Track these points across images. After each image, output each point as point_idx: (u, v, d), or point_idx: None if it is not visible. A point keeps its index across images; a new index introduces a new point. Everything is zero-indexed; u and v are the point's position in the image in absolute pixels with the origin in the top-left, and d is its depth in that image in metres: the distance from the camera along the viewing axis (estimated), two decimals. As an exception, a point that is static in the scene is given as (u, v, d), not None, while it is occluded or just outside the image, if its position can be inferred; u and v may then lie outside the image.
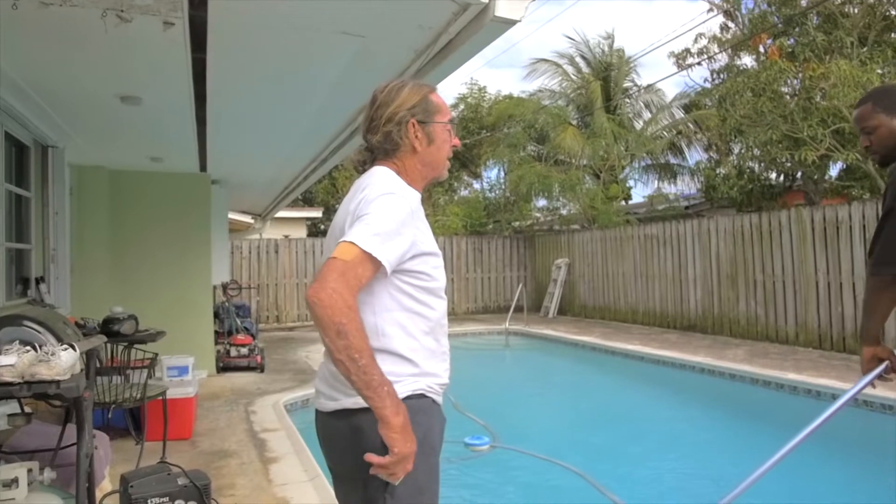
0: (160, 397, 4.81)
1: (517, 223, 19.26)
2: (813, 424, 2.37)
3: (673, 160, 19.52)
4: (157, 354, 4.89)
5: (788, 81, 11.76)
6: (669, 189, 18.88)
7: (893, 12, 11.71)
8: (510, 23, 2.75)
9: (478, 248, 17.74)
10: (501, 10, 2.73)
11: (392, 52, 3.70)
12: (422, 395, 1.77)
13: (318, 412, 1.86)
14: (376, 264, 1.62)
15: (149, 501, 2.81)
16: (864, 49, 11.44)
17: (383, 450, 1.61)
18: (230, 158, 7.59)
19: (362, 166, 1.94)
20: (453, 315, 16.86)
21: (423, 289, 1.80)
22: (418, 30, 3.25)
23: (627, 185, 18.79)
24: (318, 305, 1.53)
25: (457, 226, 19.18)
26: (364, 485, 1.70)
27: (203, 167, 7.88)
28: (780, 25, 12.74)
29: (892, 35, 12.06)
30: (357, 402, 1.68)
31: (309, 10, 3.18)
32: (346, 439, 1.74)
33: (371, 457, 1.61)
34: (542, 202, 19.50)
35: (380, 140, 1.89)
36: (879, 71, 10.35)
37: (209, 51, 3.75)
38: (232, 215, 13.52)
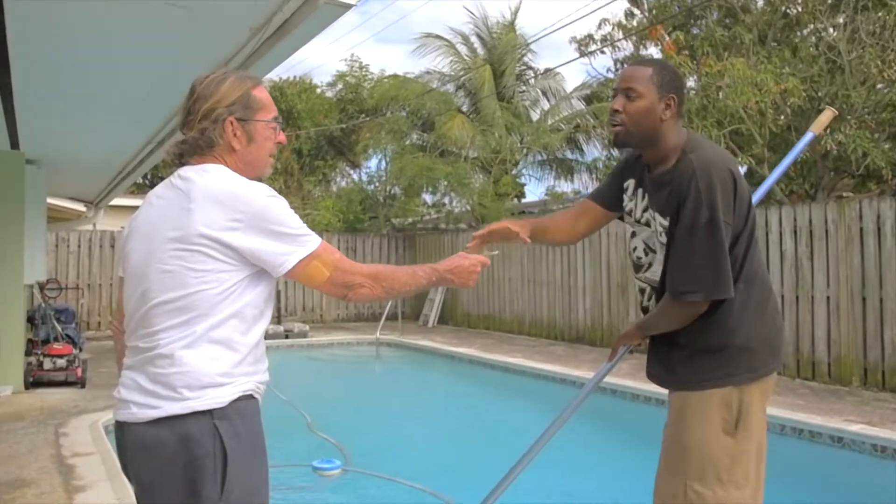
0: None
1: (397, 220, 19.44)
2: (570, 407, 2.85)
3: (570, 155, 20.27)
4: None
5: (687, 79, 12.47)
6: (566, 187, 19.59)
7: (794, 11, 12.62)
8: (345, 6, 2.88)
9: (351, 247, 17.81)
10: (335, -9, 2.85)
11: (226, 29, 3.75)
12: (251, 397, 1.96)
13: (125, 424, 1.96)
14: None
15: None
16: (764, 48, 12.29)
17: (217, 455, 1.83)
18: (48, 135, 7.33)
19: (179, 159, 2.05)
20: (321, 323, 16.85)
21: (271, 286, 2.02)
22: (249, 3, 3.32)
23: (520, 181, 19.36)
24: (364, 299, 2.03)
25: (329, 221, 19.13)
26: (196, 493, 1.84)
27: (14, 143, 7.57)
28: (679, 16, 13.51)
29: (797, 34, 12.98)
30: (186, 406, 1.85)
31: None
32: (171, 448, 1.85)
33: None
34: (429, 197, 19.80)
35: (195, 136, 2.02)
36: (787, 70, 11.11)
37: (7, 12, 3.67)
38: (56, 201, 12.97)
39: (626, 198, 2.75)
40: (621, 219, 2.84)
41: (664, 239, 2.51)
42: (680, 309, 2.43)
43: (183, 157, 2.05)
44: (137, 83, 5.15)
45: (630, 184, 2.72)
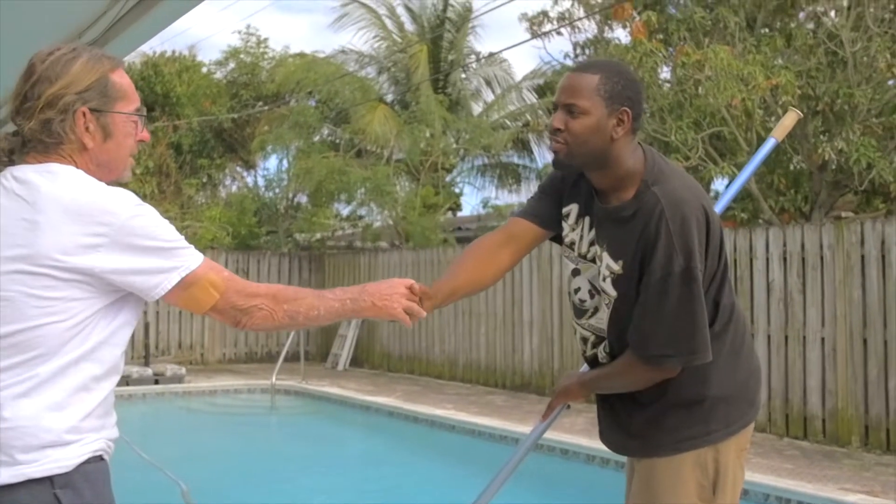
0: None
1: (302, 235, 19.34)
2: (504, 470, 2.91)
3: (517, 159, 20.49)
4: None
5: (660, 69, 12.73)
6: (511, 198, 19.80)
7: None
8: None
9: (243, 268, 17.61)
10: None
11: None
12: (100, 458, 1.92)
13: None
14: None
15: None
16: (752, 35, 12.64)
17: None
18: None
19: (9, 156, 2.00)
20: (202, 365, 16.60)
21: (132, 318, 2.00)
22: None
23: (455, 189, 19.49)
24: (262, 326, 2.07)
25: (215, 235, 18.88)
26: None
27: None
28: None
29: (792, 18, 13.35)
30: (18, 473, 1.79)
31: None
32: None
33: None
34: (343, 208, 19.77)
35: (35, 129, 1.95)
36: (780, 62, 11.42)
37: None
38: None
39: (566, 226, 2.74)
40: (556, 240, 2.84)
41: (608, 286, 2.55)
42: (649, 372, 2.51)
43: (14, 153, 1.99)
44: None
45: (572, 210, 2.72)
